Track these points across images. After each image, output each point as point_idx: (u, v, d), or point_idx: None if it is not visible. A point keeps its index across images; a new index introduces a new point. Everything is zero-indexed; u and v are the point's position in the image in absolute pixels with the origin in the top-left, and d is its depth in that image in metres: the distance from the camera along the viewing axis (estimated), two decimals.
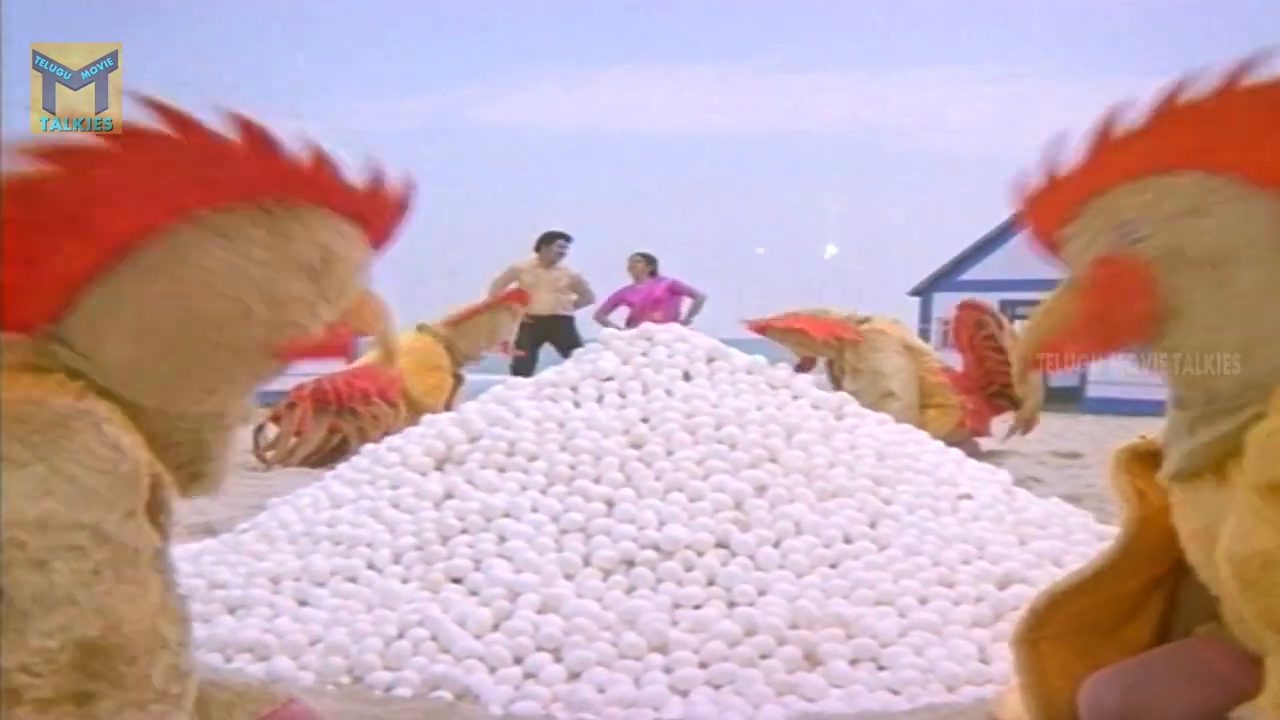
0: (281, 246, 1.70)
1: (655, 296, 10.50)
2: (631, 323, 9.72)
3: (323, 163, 1.71)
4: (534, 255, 10.61)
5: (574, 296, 10.78)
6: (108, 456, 1.57)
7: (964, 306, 8.52)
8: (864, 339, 7.98)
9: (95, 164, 1.61)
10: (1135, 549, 2.21)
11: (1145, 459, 2.18)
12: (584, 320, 11.04)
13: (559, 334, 10.35)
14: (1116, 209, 1.90)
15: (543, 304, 10.29)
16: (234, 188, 1.68)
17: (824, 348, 8.23)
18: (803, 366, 8.25)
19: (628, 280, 10.88)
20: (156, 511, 1.79)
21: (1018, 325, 9.45)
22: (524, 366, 9.49)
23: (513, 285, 10.16)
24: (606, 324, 10.04)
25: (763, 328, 8.46)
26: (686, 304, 10.71)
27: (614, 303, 10.79)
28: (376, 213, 1.79)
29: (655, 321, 8.59)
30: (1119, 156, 1.91)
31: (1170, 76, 1.87)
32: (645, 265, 10.82)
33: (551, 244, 10.59)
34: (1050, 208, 1.97)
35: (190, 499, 1.82)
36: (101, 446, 1.57)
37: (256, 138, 1.66)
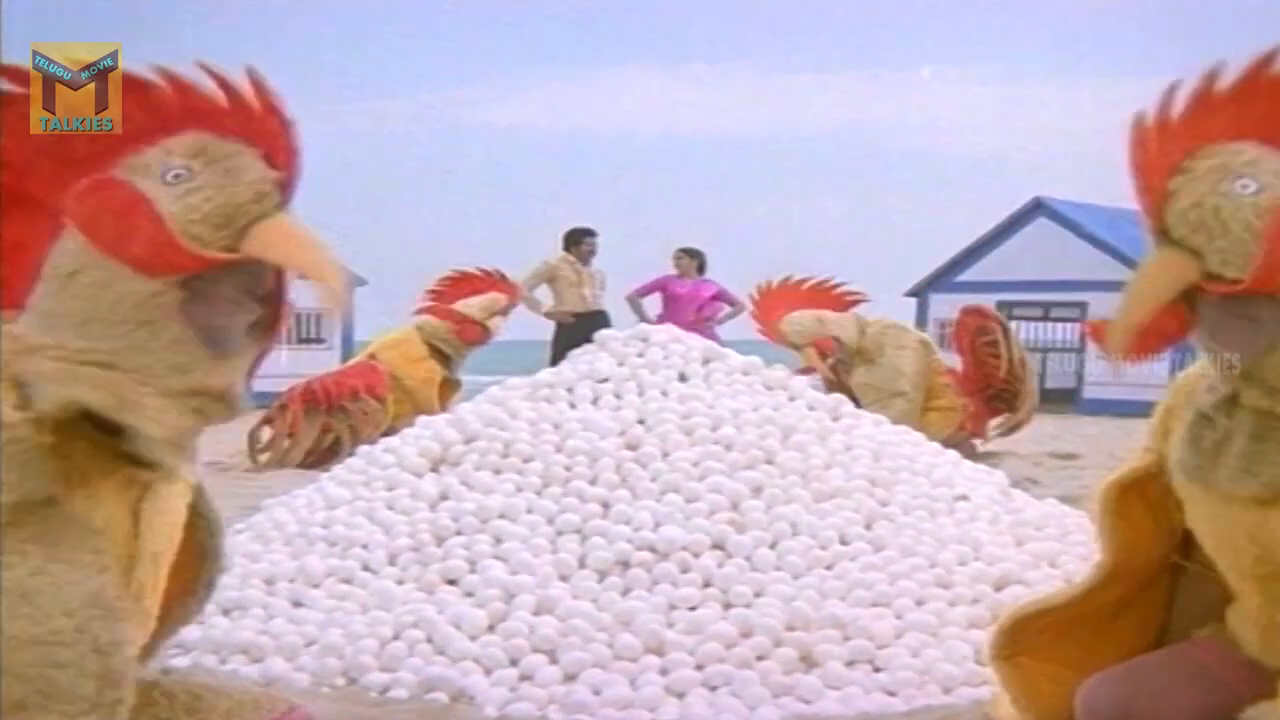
0: (153, 165, 1.65)
1: (701, 297, 9.92)
2: (667, 316, 9.42)
3: (182, 90, 1.67)
4: (564, 253, 10.05)
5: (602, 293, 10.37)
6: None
7: (967, 311, 8.51)
8: (890, 329, 7.94)
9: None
10: (1108, 582, 2.19)
11: (1134, 489, 2.15)
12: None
13: (599, 328, 10.04)
14: (1223, 166, 1.85)
15: (585, 301, 9.86)
16: (138, 138, 1.66)
17: (854, 333, 8.01)
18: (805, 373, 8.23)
19: (623, 278, 10.31)
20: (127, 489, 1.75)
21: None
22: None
23: (542, 285, 9.81)
24: (639, 309, 9.83)
25: (775, 317, 8.33)
26: (724, 310, 10.12)
27: (654, 288, 10.13)
28: (255, 127, 1.70)
29: (692, 325, 8.59)
30: (1218, 117, 1.89)
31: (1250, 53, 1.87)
32: (692, 261, 10.16)
33: (582, 241, 10.10)
34: (1164, 157, 1.89)
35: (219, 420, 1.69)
36: None
37: (133, 89, 1.65)
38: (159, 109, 1.68)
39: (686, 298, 9.82)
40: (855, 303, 8.30)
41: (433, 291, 8.98)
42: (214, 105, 1.69)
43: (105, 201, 1.62)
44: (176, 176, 1.63)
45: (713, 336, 9.48)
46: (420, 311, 8.82)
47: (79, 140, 1.65)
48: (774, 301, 8.56)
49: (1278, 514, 1.87)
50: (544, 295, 9.98)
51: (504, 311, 9.28)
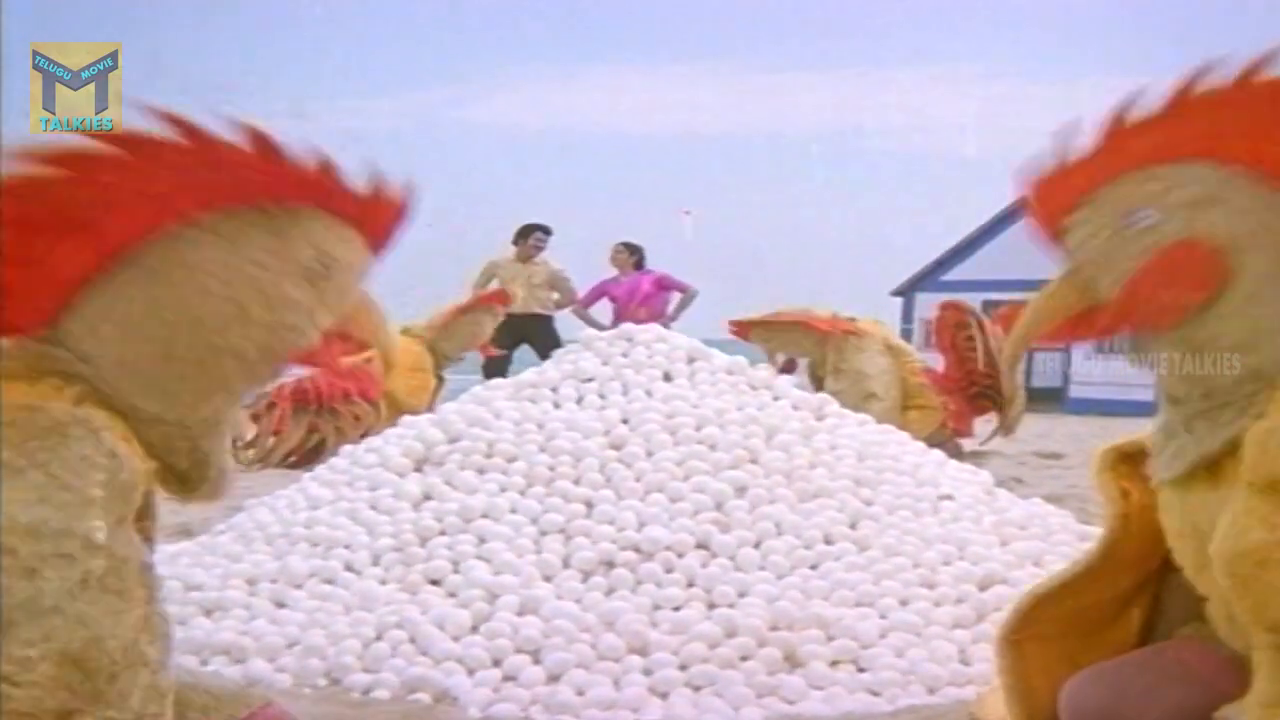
0: (280, 249, 1.68)
1: (641, 291, 9.70)
2: (616, 319, 9.22)
3: (323, 167, 1.71)
4: (511, 249, 9.95)
5: (554, 295, 10.04)
6: (105, 465, 1.55)
7: (946, 307, 8.52)
8: (851, 337, 7.94)
9: (97, 168, 1.60)
10: (1119, 548, 2.19)
11: (1130, 459, 2.16)
12: (567, 319, 10.16)
13: (536, 334, 9.62)
14: (1126, 197, 1.89)
15: (518, 301, 9.60)
16: (233, 191, 1.67)
17: (816, 346, 8.10)
18: (786, 368, 8.22)
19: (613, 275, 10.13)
20: (144, 519, 1.78)
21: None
22: (498, 368, 8.89)
23: (493, 283, 9.73)
24: (587, 319, 9.51)
25: (748, 328, 8.39)
26: (675, 300, 9.93)
27: (596, 295, 10.02)
28: (375, 217, 1.77)
29: (640, 320, 8.48)
30: (1131, 144, 1.91)
31: (1184, 68, 1.88)
32: (629, 256, 9.98)
33: (528, 237, 9.90)
34: (1058, 194, 1.94)
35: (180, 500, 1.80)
36: (99, 455, 1.55)
37: (257, 142, 1.66)
38: (262, 169, 1.69)
39: (625, 296, 9.68)
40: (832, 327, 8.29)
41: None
42: (337, 188, 1.73)
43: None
44: (315, 275, 1.71)
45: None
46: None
47: (161, 173, 1.65)
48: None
49: (1216, 500, 1.90)
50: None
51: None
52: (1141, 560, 2.21)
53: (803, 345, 8.21)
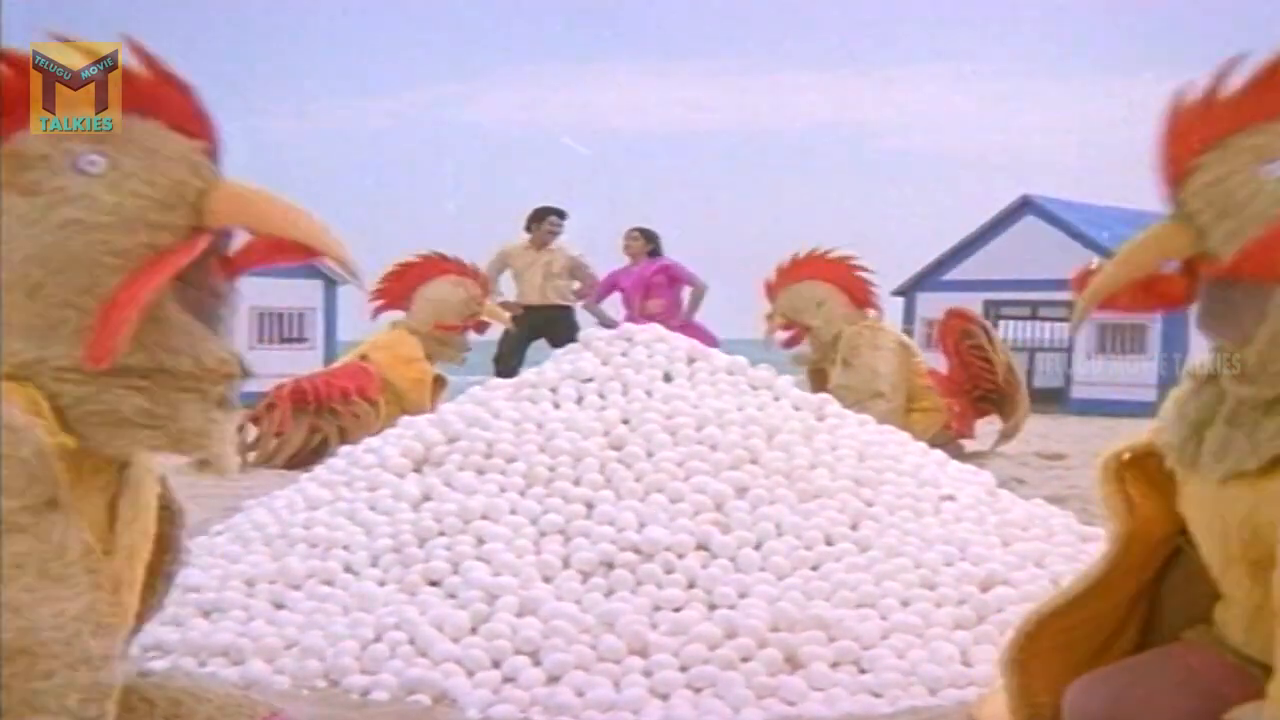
0: (51, 152, 1.61)
1: (647, 279, 9.00)
2: (627, 311, 8.84)
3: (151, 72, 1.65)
4: (524, 236, 9.16)
5: (574, 284, 9.20)
6: (3, 439, 1.48)
7: (951, 315, 8.45)
8: (865, 330, 7.77)
9: None
10: (1123, 561, 2.17)
11: (1135, 465, 2.14)
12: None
13: (555, 328, 8.69)
14: (1264, 146, 1.84)
15: (534, 291, 8.91)
16: (5, 117, 1.63)
17: (842, 320, 7.79)
18: (793, 340, 8.03)
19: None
20: (167, 524, 1.76)
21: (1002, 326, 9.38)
22: (510, 368, 8.12)
23: (505, 274, 9.01)
24: (599, 314, 8.96)
25: (779, 287, 7.94)
26: (686, 294, 9.18)
27: (607, 288, 9.27)
28: (150, 99, 1.67)
29: (652, 314, 8.29)
30: (1273, 98, 1.86)
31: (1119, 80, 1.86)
32: (643, 244, 9.15)
33: (542, 222, 9.07)
34: (1195, 132, 1.88)
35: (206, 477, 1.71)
36: None
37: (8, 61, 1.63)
38: (17, 90, 1.63)
39: (632, 286, 9.06)
40: (869, 300, 7.99)
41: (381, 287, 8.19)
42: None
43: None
44: (91, 164, 1.59)
45: (689, 328, 8.16)
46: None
47: None
48: (796, 270, 8.00)
49: (1265, 501, 1.86)
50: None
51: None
52: (1144, 568, 2.20)
53: (822, 318, 7.80)
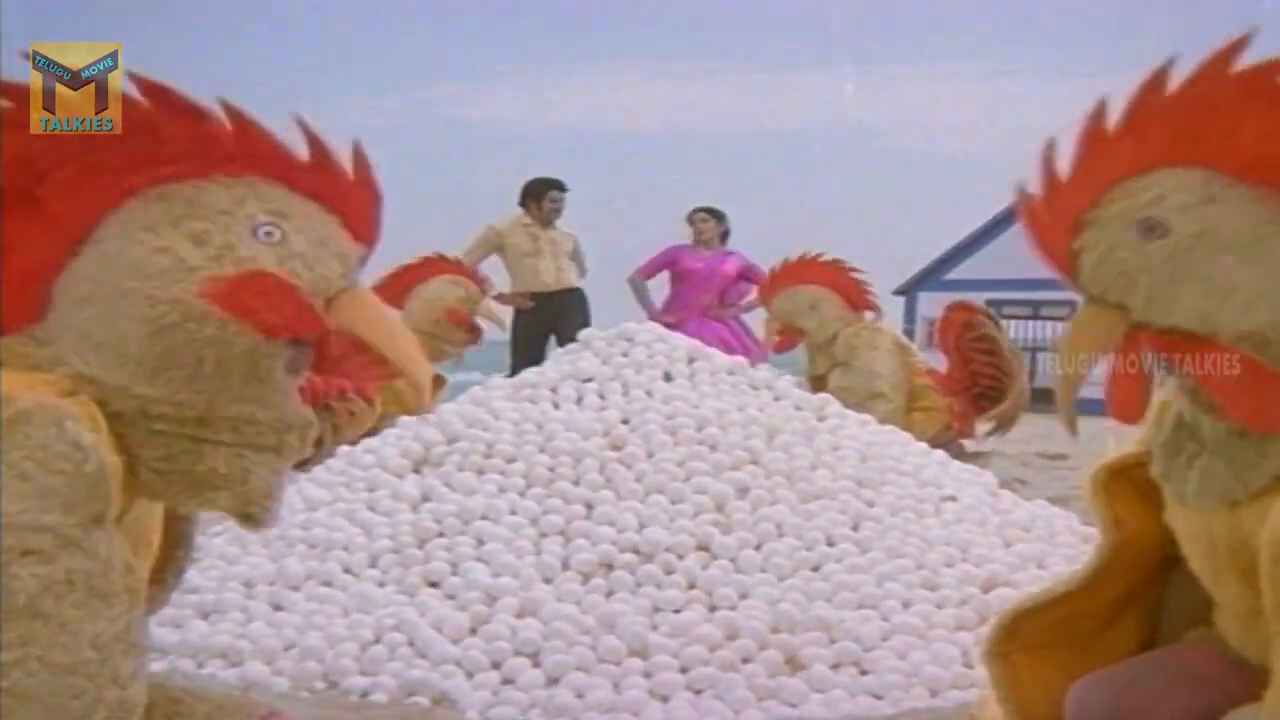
0: (229, 208, 1.64)
1: (723, 274, 8.06)
2: (680, 302, 7.99)
3: (314, 150, 1.68)
4: (519, 213, 8.00)
5: (573, 265, 8.14)
6: (66, 454, 1.49)
7: (953, 307, 8.41)
8: (864, 331, 7.71)
9: (57, 147, 1.60)
10: (1108, 570, 2.17)
11: (1125, 475, 2.14)
12: None
13: (571, 314, 7.69)
14: (1126, 210, 1.83)
15: (549, 275, 7.86)
16: (188, 165, 1.65)
17: (831, 323, 7.75)
18: (784, 345, 7.95)
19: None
20: (176, 548, 1.79)
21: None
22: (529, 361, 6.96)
23: (490, 258, 7.96)
24: (643, 295, 8.09)
25: (773, 290, 7.94)
26: (749, 295, 8.29)
27: (661, 264, 8.20)
28: (349, 198, 1.73)
29: (715, 311, 7.84)
30: (1108, 161, 1.86)
31: (1143, 70, 1.84)
32: (715, 225, 8.16)
33: (544, 196, 7.91)
34: (1055, 224, 1.88)
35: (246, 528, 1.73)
36: (60, 444, 1.49)
37: (231, 117, 1.65)
38: (211, 142, 1.66)
39: (703, 274, 8.05)
40: (865, 302, 7.92)
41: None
42: (289, 157, 1.69)
43: (262, 292, 1.63)
44: (268, 234, 1.64)
45: (739, 333, 8.09)
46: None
47: (109, 151, 1.63)
48: (788, 275, 8.06)
49: (1248, 513, 1.86)
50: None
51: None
52: (1133, 571, 2.19)
53: (816, 321, 7.74)
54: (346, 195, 1.72)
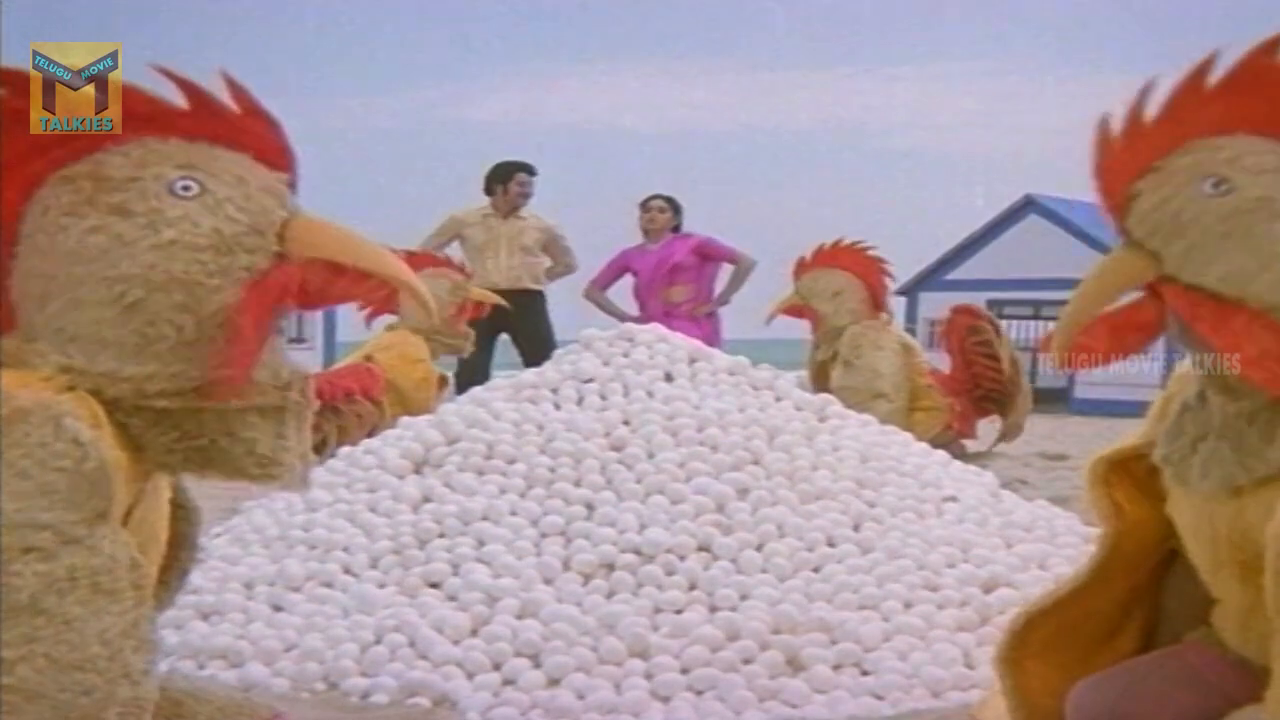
0: (138, 172, 1.63)
1: (673, 261, 7.53)
2: (640, 301, 7.63)
3: (131, 92, 1.67)
4: (483, 202, 7.29)
5: (545, 261, 7.45)
6: (66, 451, 1.50)
7: (958, 311, 8.40)
8: (869, 330, 7.66)
9: None
10: (1112, 563, 2.16)
11: (1124, 468, 2.13)
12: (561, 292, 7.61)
13: (525, 319, 7.19)
14: (1197, 164, 1.84)
15: (500, 272, 7.18)
16: (68, 142, 1.64)
17: (851, 315, 7.66)
18: (796, 314, 7.81)
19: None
20: (180, 548, 1.79)
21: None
22: (476, 369, 6.89)
23: (450, 248, 7.37)
24: (606, 305, 7.73)
25: (807, 267, 7.52)
26: (723, 277, 7.79)
27: (616, 270, 7.74)
28: (237, 130, 1.70)
29: (675, 302, 7.59)
30: (1199, 114, 1.87)
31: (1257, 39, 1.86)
32: (669, 216, 7.57)
33: (508, 181, 7.15)
34: (1126, 160, 1.88)
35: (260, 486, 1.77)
36: (59, 441, 1.50)
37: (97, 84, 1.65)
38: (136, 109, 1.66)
39: (652, 270, 7.54)
40: (883, 304, 7.82)
41: None
42: (171, 110, 1.68)
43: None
44: (185, 189, 1.62)
45: (710, 329, 7.63)
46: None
47: (12, 140, 1.63)
48: (825, 257, 7.53)
49: (1252, 504, 1.85)
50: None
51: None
52: (1136, 569, 2.19)
53: (834, 307, 7.64)
54: (243, 130, 1.70)
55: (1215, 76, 1.88)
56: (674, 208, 7.61)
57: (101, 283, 1.60)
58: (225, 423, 1.65)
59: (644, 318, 7.36)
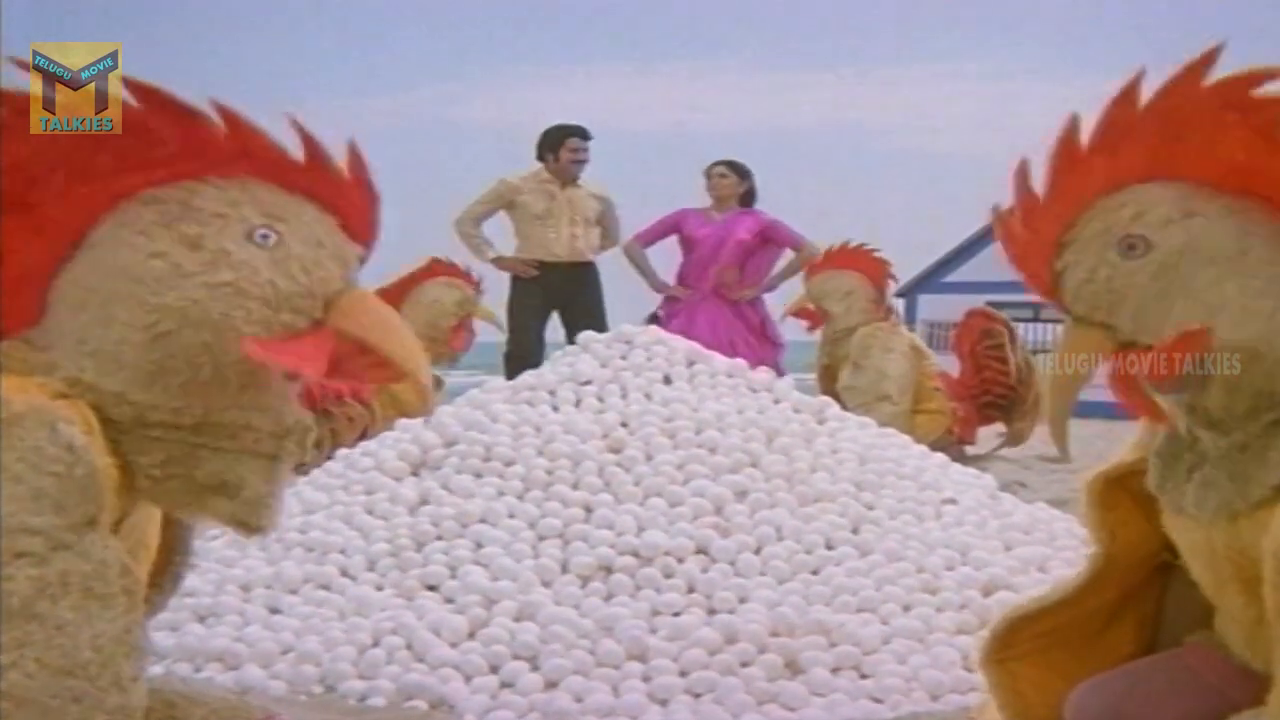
0: (223, 211, 1.63)
1: (737, 239, 7.07)
2: (688, 276, 7.31)
3: (252, 133, 1.66)
4: (537, 167, 6.87)
5: (596, 232, 6.98)
6: (59, 457, 1.49)
7: (973, 313, 8.37)
8: (880, 332, 7.63)
9: (45, 150, 1.59)
10: (1105, 575, 2.16)
11: (1120, 484, 2.12)
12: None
13: (579, 292, 6.85)
14: (1106, 229, 1.82)
15: (561, 243, 6.78)
16: (182, 166, 1.64)
17: (862, 315, 7.64)
18: (812, 320, 7.80)
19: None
20: (176, 552, 1.78)
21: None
22: (529, 350, 6.49)
23: (492, 216, 6.98)
24: (643, 265, 7.30)
25: (820, 268, 7.45)
26: (781, 262, 7.45)
27: (666, 228, 7.22)
28: (346, 199, 1.71)
29: (726, 284, 7.20)
30: (1083, 179, 1.84)
31: (1116, 82, 1.82)
32: (731, 181, 7.07)
33: (561, 145, 6.71)
34: (1035, 241, 1.87)
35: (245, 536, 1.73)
36: (53, 446, 1.49)
37: (225, 118, 1.64)
38: (204, 143, 1.65)
39: (711, 242, 7.06)
40: (886, 282, 7.80)
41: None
42: (284, 158, 1.68)
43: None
44: (264, 238, 1.62)
45: (752, 321, 7.49)
46: None
47: (101, 154, 1.62)
48: (837, 258, 7.49)
49: (1248, 525, 1.84)
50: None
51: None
52: (1129, 577, 2.18)
53: (844, 308, 7.43)
54: (343, 195, 1.71)
55: (1086, 134, 1.83)
56: (738, 173, 7.16)
57: (140, 306, 1.60)
58: (216, 461, 1.65)
59: (694, 292, 7.25)
